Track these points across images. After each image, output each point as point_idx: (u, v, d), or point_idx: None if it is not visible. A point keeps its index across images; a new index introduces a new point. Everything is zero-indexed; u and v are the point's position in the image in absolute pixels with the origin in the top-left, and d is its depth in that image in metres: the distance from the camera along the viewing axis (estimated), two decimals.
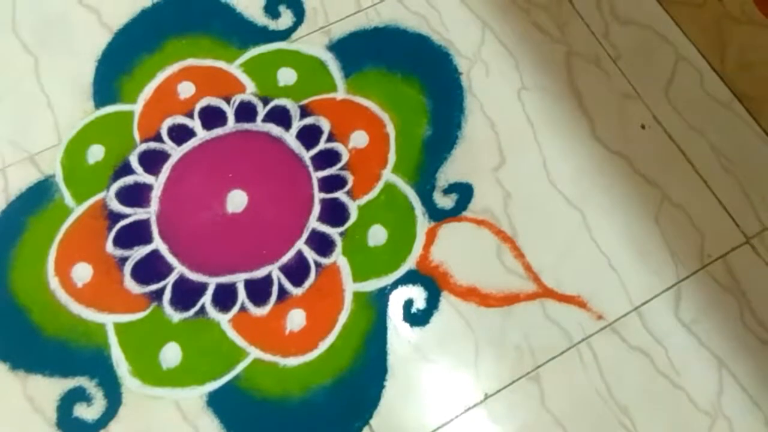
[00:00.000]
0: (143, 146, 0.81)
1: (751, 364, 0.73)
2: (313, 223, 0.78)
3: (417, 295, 0.75)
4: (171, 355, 0.72)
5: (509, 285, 0.76)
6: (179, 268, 0.75)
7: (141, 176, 0.79)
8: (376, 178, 0.80)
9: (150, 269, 0.75)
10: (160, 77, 0.84)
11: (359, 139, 0.82)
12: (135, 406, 0.70)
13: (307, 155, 0.81)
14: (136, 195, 0.78)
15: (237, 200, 0.78)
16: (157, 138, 0.81)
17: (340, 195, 0.79)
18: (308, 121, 0.83)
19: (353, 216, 0.78)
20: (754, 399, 0.72)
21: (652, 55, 0.89)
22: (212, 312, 0.74)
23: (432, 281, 0.76)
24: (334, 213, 0.78)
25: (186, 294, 0.74)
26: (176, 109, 0.83)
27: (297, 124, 0.82)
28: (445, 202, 0.80)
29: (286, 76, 0.85)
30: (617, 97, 0.86)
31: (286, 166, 0.80)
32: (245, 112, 0.83)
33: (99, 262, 0.75)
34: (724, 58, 0.86)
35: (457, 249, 0.77)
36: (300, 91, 0.84)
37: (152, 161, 0.80)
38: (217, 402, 0.70)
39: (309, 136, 0.82)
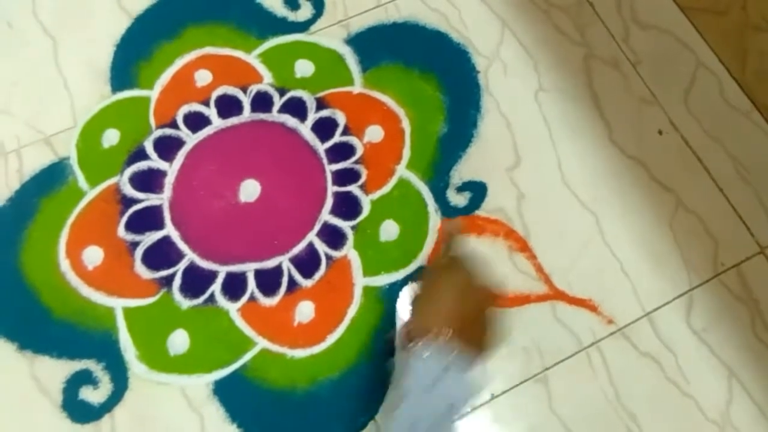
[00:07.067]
0: (158, 132, 0.81)
1: (761, 375, 0.73)
2: (326, 215, 0.78)
3: None
4: (179, 341, 0.72)
5: (520, 286, 0.76)
6: (190, 255, 0.75)
7: (155, 162, 0.79)
8: (389, 174, 0.80)
9: (161, 255, 0.75)
10: (178, 64, 0.84)
11: (374, 133, 0.82)
12: (141, 391, 0.70)
13: (321, 147, 0.81)
14: (149, 180, 0.78)
15: (250, 190, 0.78)
16: (173, 125, 0.81)
17: (354, 189, 0.79)
18: (324, 113, 0.82)
19: (366, 210, 0.78)
20: (763, 410, 0.71)
21: (671, 61, 0.88)
22: (221, 300, 0.73)
23: None
24: (347, 206, 0.78)
25: (196, 281, 0.74)
26: (193, 96, 0.83)
27: (312, 116, 0.82)
28: (458, 199, 0.79)
29: (304, 67, 0.85)
30: (635, 101, 0.85)
31: (300, 158, 0.80)
32: (261, 102, 0.83)
33: (110, 246, 0.75)
34: (745, 66, 0.86)
35: (468, 247, 0.77)
36: (317, 83, 0.84)
37: (167, 147, 0.80)
38: (223, 390, 0.70)
39: (324, 128, 0.82)
